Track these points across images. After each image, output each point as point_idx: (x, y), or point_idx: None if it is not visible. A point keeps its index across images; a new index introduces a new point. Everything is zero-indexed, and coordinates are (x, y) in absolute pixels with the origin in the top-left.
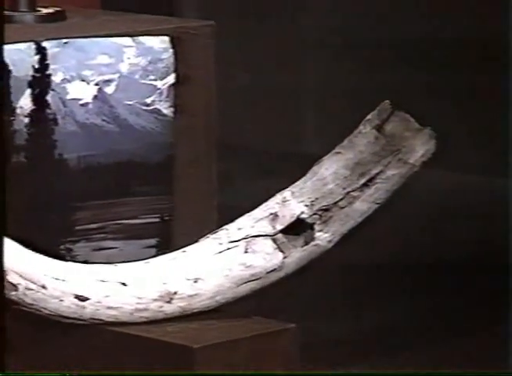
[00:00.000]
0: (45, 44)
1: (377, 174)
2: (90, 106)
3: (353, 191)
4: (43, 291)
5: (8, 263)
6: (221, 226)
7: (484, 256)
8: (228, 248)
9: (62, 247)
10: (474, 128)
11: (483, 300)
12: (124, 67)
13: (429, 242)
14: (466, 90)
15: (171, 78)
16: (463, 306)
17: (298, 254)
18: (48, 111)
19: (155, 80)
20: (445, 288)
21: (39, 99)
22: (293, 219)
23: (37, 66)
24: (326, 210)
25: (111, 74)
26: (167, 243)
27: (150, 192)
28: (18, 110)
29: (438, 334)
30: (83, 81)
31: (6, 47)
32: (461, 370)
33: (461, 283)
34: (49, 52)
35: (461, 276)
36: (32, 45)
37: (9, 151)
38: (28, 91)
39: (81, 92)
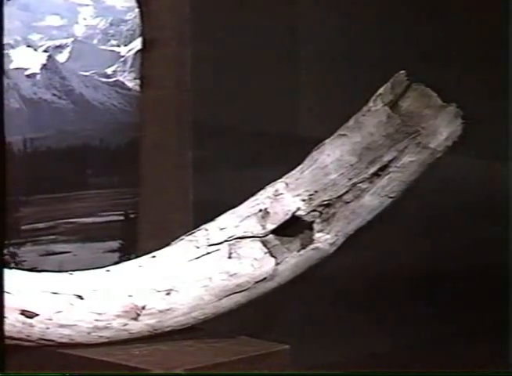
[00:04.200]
0: None
1: (391, 161)
2: (38, 77)
3: (361, 182)
4: None
5: None
6: (199, 226)
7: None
8: (208, 253)
9: (4, 251)
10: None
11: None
12: (79, 30)
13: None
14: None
15: (137, 44)
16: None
17: (294, 259)
18: None
19: (117, 46)
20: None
21: None
22: (287, 217)
23: None
24: (328, 205)
25: (63, 38)
26: (132, 246)
27: (111, 183)
28: None
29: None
30: (29, 46)
31: None
32: (461, 371)
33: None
34: None
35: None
36: None
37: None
38: None
39: (27, 60)
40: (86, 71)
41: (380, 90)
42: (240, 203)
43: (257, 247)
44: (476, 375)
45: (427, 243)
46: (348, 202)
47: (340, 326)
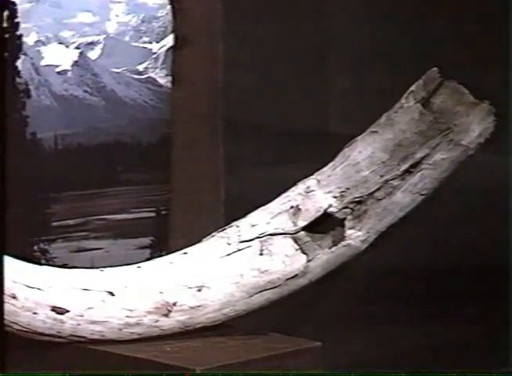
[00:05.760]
0: None
1: (423, 158)
2: (69, 74)
3: (393, 179)
4: (13, 301)
5: None
6: (230, 222)
7: None
8: (239, 249)
9: (35, 247)
10: None
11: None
12: (111, 27)
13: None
14: None
15: (169, 41)
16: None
17: (325, 256)
18: (18, 80)
19: (149, 42)
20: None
21: (7, 66)
22: (318, 214)
23: (4, 25)
24: (360, 202)
25: (95, 35)
26: (163, 243)
27: (142, 180)
28: None
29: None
30: (61, 43)
31: None
32: (461, 371)
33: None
34: (20, 7)
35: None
36: None
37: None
38: None
39: (59, 56)
40: (118, 68)
41: (412, 87)
42: (272, 200)
43: (288, 244)
44: (476, 375)
45: (453, 241)
46: (380, 199)
47: (361, 324)
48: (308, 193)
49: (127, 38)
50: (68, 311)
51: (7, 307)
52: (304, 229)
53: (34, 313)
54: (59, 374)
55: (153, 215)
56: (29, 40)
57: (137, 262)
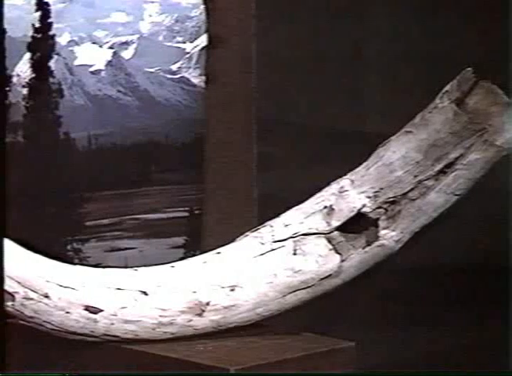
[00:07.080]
0: None
1: (457, 158)
2: (103, 74)
3: (427, 179)
4: (46, 301)
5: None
6: (264, 222)
7: None
8: (273, 249)
9: (68, 247)
10: None
11: None
12: (144, 27)
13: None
14: None
15: (202, 40)
16: None
17: (359, 256)
18: (52, 80)
19: (182, 42)
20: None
21: (40, 66)
22: (352, 214)
23: (38, 26)
24: (394, 202)
25: (129, 34)
26: (196, 242)
27: (176, 180)
28: (15, 79)
29: None
30: (94, 43)
31: None
32: (461, 371)
33: None
34: (53, 8)
35: None
36: (32, 0)
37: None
38: (27, 55)
39: (92, 56)
40: (151, 68)
41: (447, 87)
42: (305, 199)
43: (322, 244)
44: (476, 375)
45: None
46: (414, 199)
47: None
48: (341, 193)
49: (160, 38)
50: (101, 310)
51: (40, 306)
52: (337, 229)
53: (67, 313)
54: (59, 374)
55: (186, 214)
56: (62, 40)
57: (170, 262)
